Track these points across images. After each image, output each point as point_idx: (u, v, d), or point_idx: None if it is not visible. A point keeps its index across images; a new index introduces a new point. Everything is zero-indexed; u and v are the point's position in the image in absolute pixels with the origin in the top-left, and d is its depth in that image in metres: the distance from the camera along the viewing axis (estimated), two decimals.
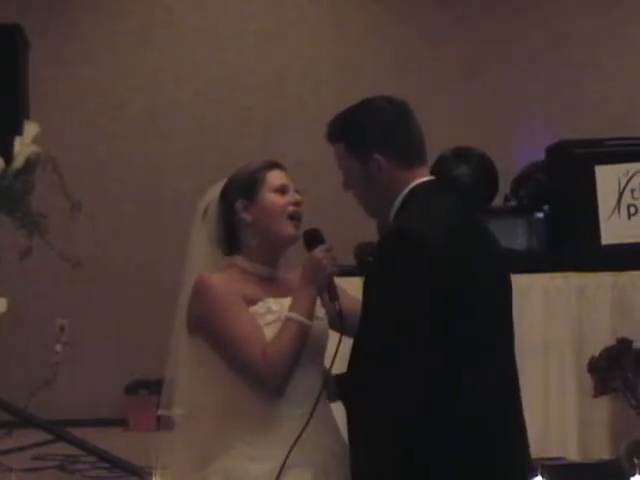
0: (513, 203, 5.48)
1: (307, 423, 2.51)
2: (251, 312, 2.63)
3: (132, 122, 7.60)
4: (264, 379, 2.58)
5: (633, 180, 5.13)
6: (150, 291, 7.32)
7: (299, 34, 7.73)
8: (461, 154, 5.31)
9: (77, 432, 5.94)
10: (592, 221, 5.09)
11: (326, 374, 2.64)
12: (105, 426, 7.09)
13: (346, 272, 3.80)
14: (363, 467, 2.39)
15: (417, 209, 2.48)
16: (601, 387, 4.77)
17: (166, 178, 7.54)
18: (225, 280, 2.66)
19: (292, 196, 2.75)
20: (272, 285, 2.73)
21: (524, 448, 2.56)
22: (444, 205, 2.54)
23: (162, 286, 6.61)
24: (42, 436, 5.97)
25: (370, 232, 4.35)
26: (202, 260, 2.77)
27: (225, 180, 2.82)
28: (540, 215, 5.24)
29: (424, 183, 2.55)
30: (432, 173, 2.61)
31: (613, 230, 5.10)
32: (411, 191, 2.52)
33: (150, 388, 6.95)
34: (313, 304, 2.64)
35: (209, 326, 2.63)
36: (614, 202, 5.12)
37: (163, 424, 2.82)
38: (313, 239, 2.69)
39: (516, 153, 6.90)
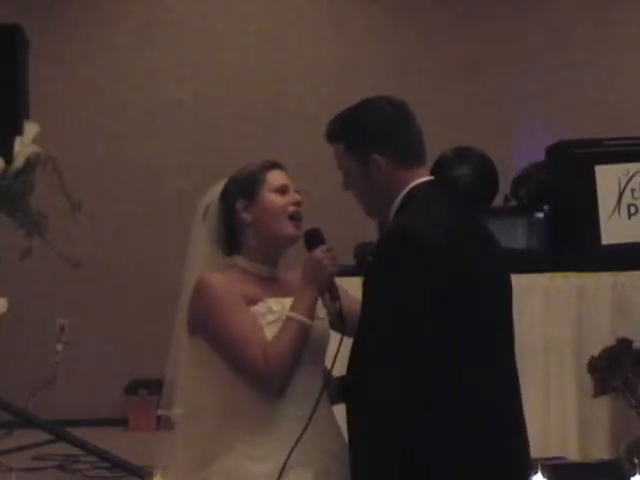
0: (513, 203, 5.48)
1: (307, 425, 2.51)
2: (252, 312, 2.63)
3: (132, 122, 7.60)
4: (265, 379, 2.58)
5: (633, 180, 5.14)
6: (150, 291, 7.32)
7: (299, 34, 7.74)
8: (461, 154, 5.31)
9: (77, 432, 5.95)
10: (592, 221, 5.09)
11: (327, 375, 2.64)
12: (105, 426, 7.10)
13: (346, 272, 3.80)
14: (363, 467, 2.38)
15: (417, 209, 2.48)
16: (601, 387, 4.78)
17: (166, 178, 7.55)
18: (225, 280, 2.66)
19: (292, 196, 2.75)
20: (272, 285, 2.73)
21: (524, 448, 2.56)
22: (444, 205, 2.54)
23: (162, 286, 6.62)
24: (42, 436, 5.97)
25: (370, 232, 4.34)
26: (202, 260, 2.77)
27: (225, 180, 2.82)
28: (540, 215, 5.24)
29: (424, 183, 2.55)
30: (432, 173, 2.61)
31: (613, 230, 5.10)
32: (410, 191, 2.52)
33: (150, 388, 6.95)
34: (314, 304, 2.63)
35: (209, 326, 2.63)
36: (614, 202, 5.12)
37: (163, 424, 2.82)
38: (314, 239, 2.69)
39: (516, 153, 6.91)
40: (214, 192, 2.82)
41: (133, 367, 7.26)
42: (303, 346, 2.60)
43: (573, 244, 5.13)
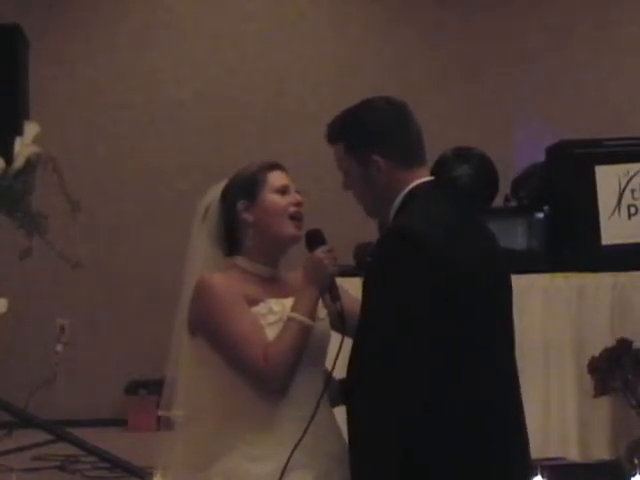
0: (513, 203, 5.48)
1: (308, 427, 2.51)
2: (253, 312, 2.64)
3: (132, 122, 7.60)
4: (265, 379, 2.57)
5: (633, 180, 5.14)
6: (150, 291, 7.32)
7: (299, 34, 7.74)
8: (461, 154, 5.32)
9: (77, 432, 5.94)
10: (592, 221, 5.09)
11: (328, 377, 2.64)
12: (105, 426, 7.10)
13: (346, 272, 3.80)
14: (363, 467, 2.38)
15: (417, 209, 2.48)
16: (601, 387, 4.78)
17: (166, 178, 7.55)
18: (226, 280, 2.66)
19: (293, 196, 2.75)
20: (273, 286, 2.73)
21: (524, 448, 2.56)
22: (444, 205, 2.54)
23: (162, 286, 6.63)
24: (42, 436, 5.97)
25: (370, 232, 4.34)
26: (203, 260, 2.77)
27: (226, 181, 2.82)
28: (540, 215, 5.24)
29: (424, 183, 2.55)
30: (432, 173, 2.61)
31: (613, 230, 5.10)
32: (410, 191, 2.52)
33: (150, 388, 6.95)
34: (315, 304, 2.63)
35: (210, 326, 2.63)
36: (614, 202, 5.12)
37: (163, 424, 2.82)
38: (315, 240, 2.69)
39: (516, 153, 6.91)
40: (214, 192, 2.82)
41: (133, 367, 7.26)
42: (304, 346, 2.60)
43: (573, 244, 5.14)
